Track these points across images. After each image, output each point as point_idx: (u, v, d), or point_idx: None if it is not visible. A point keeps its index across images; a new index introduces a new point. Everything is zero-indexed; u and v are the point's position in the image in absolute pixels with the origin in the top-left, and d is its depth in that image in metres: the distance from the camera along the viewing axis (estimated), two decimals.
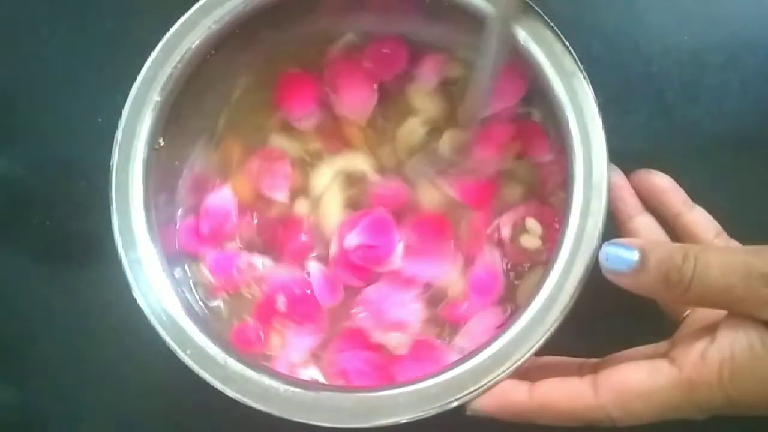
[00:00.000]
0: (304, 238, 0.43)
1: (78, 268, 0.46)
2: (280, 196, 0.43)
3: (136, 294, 0.38)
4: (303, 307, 0.42)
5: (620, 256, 0.33)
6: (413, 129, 0.43)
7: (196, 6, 0.40)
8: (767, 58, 0.45)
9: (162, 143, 0.41)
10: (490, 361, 0.35)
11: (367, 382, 0.40)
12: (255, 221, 0.44)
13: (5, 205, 0.48)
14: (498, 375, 0.35)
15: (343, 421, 0.35)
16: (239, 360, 0.37)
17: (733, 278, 0.30)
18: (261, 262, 0.43)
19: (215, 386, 0.36)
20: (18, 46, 0.48)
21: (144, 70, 0.39)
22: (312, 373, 0.41)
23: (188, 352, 0.37)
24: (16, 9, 0.49)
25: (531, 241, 0.39)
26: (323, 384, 0.40)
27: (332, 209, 0.43)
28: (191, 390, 0.37)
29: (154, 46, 0.40)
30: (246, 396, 0.36)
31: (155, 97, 0.39)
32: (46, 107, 0.48)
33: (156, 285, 0.38)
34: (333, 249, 0.42)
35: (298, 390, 0.36)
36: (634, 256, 0.32)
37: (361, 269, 0.42)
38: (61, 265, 0.47)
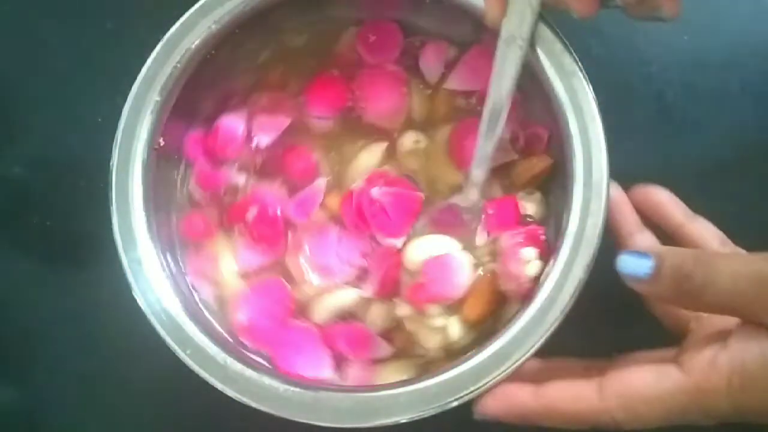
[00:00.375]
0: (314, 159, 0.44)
1: (78, 268, 0.46)
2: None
3: (136, 294, 0.38)
4: (266, 229, 0.42)
5: (636, 263, 0.32)
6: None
7: (196, 6, 0.40)
8: (767, 58, 0.45)
9: (162, 143, 0.41)
10: (490, 361, 0.35)
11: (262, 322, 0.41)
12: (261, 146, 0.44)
13: (5, 205, 0.48)
14: (498, 375, 0.35)
15: (343, 421, 0.35)
16: (239, 360, 0.37)
17: (744, 284, 0.30)
18: (246, 179, 0.44)
19: (215, 386, 0.36)
20: (18, 46, 0.48)
21: (144, 70, 0.39)
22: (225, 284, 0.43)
23: (188, 351, 0.37)
24: (16, 9, 0.49)
25: (533, 268, 0.39)
26: (323, 384, 0.40)
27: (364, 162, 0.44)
28: (191, 390, 0.37)
29: (154, 46, 0.40)
30: (246, 396, 0.36)
31: (155, 97, 0.39)
32: (46, 107, 0.48)
33: (156, 285, 0.38)
34: (355, 184, 0.43)
35: (297, 390, 0.36)
36: (649, 262, 0.32)
37: (362, 218, 0.42)
38: (60, 265, 0.47)
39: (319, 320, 0.42)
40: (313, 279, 0.43)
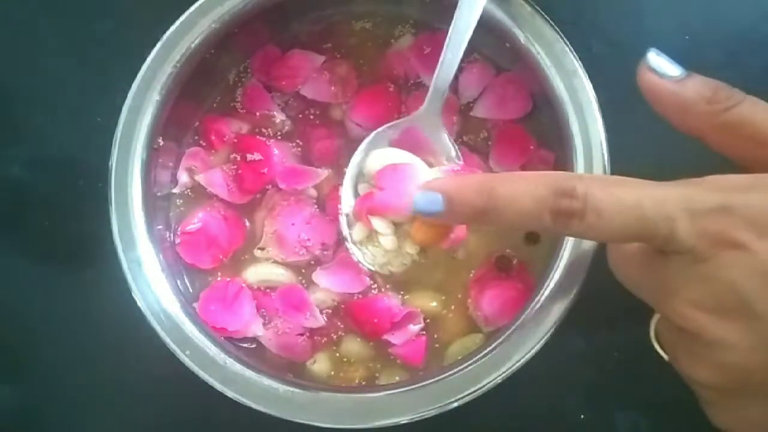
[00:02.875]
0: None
1: (77, 268, 0.46)
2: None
3: (136, 294, 0.38)
4: (249, 174, 0.43)
5: (668, 63, 0.31)
6: None
7: (195, 5, 0.40)
8: (767, 58, 0.45)
9: (161, 143, 0.41)
10: (490, 362, 0.35)
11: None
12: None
13: (5, 205, 0.48)
14: (498, 376, 0.35)
15: (343, 422, 0.35)
16: (239, 360, 0.37)
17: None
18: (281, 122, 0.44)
19: (214, 386, 0.36)
20: (18, 46, 0.48)
21: (143, 69, 0.39)
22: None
23: (187, 352, 0.37)
24: (16, 9, 0.49)
25: None
26: (323, 384, 0.40)
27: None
28: (190, 390, 0.37)
29: (154, 46, 0.40)
30: (245, 396, 0.36)
31: (155, 97, 0.39)
32: (45, 107, 0.48)
33: (155, 285, 0.38)
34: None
35: (297, 390, 0.36)
36: (681, 69, 0.31)
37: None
38: (60, 265, 0.47)
39: (248, 281, 0.42)
40: (268, 243, 0.43)
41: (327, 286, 0.42)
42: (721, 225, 0.27)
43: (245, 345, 0.42)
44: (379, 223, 0.36)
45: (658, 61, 0.32)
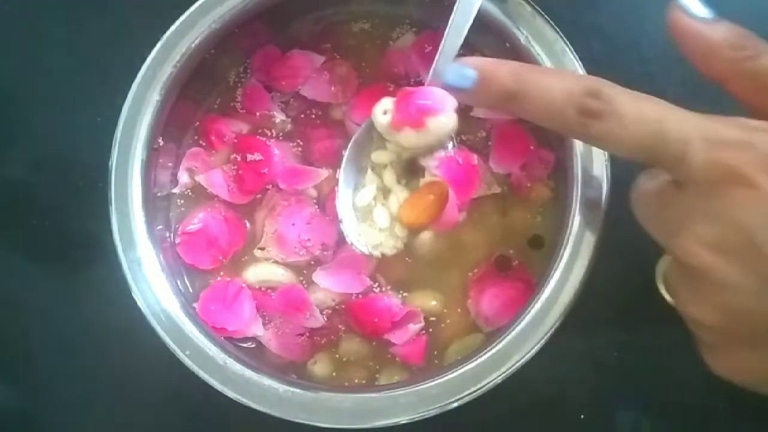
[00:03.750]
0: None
1: (77, 268, 0.46)
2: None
3: (135, 295, 0.38)
4: (250, 174, 0.43)
5: (698, 4, 0.31)
6: None
7: (195, 5, 0.40)
8: None
9: (161, 143, 0.41)
10: (491, 362, 0.35)
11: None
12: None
13: (5, 205, 0.48)
14: (498, 376, 0.35)
15: (343, 422, 0.35)
16: (239, 360, 0.37)
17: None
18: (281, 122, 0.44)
19: (214, 386, 0.36)
20: (18, 46, 0.48)
21: (143, 69, 0.39)
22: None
23: (187, 352, 0.37)
24: (16, 9, 0.49)
25: None
26: (323, 385, 0.40)
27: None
28: (190, 390, 0.37)
29: (154, 46, 0.39)
30: (245, 396, 0.36)
31: (155, 97, 0.39)
32: (46, 107, 0.48)
33: (155, 285, 0.38)
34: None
35: (297, 390, 0.36)
36: (712, 13, 0.31)
37: None
38: (60, 266, 0.47)
39: (249, 281, 0.42)
40: (268, 243, 0.43)
41: (327, 286, 0.42)
42: (736, 160, 0.27)
43: (245, 345, 0.42)
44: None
45: (689, 0, 0.31)
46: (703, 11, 0.31)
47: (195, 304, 0.41)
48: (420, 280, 0.42)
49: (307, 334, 0.42)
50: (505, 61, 0.32)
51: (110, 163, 0.39)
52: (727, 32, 0.30)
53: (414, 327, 0.41)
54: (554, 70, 0.34)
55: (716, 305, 0.28)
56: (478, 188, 0.40)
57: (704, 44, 0.31)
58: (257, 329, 0.41)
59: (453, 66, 0.32)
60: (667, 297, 0.33)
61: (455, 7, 0.36)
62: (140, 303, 0.38)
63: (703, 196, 0.28)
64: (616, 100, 0.29)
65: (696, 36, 0.31)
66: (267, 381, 0.36)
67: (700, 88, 0.45)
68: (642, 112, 0.29)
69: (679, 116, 0.28)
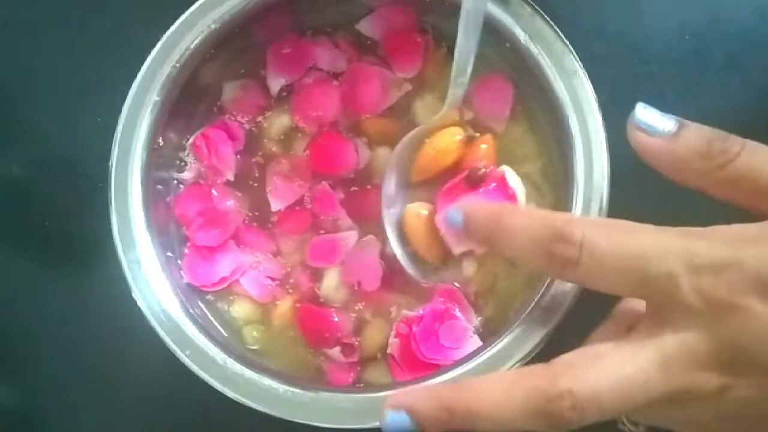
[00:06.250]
0: None
1: (77, 268, 0.46)
2: None
3: (136, 295, 0.38)
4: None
5: (657, 117, 0.29)
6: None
7: (195, 6, 0.40)
8: (767, 58, 0.45)
9: (161, 143, 0.41)
10: (491, 362, 0.35)
11: None
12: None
13: (5, 205, 0.48)
14: None
15: (343, 422, 0.35)
16: (239, 360, 0.37)
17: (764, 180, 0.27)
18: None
19: (215, 387, 0.36)
20: (18, 46, 0.48)
21: (143, 69, 0.39)
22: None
23: (187, 352, 0.37)
24: (16, 9, 0.49)
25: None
26: (323, 385, 0.40)
27: None
28: (190, 390, 0.37)
29: (154, 46, 0.40)
30: (245, 397, 0.36)
31: (154, 97, 0.39)
32: (46, 107, 0.48)
33: (155, 285, 0.38)
34: None
35: (297, 390, 0.36)
36: (672, 122, 0.29)
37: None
38: (60, 266, 0.47)
39: None
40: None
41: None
42: (723, 287, 0.26)
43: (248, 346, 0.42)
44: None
45: (646, 116, 0.30)
46: (663, 123, 0.29)
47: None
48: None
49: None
50: (485, 204, 0.33)
51: (110, 163, 0.39)
52: (695, 141, 0.29)
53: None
54: (526, 212, 0.32)
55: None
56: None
57: (673, 160, 0.29)
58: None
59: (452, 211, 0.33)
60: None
61: (462, 17, 0.36)
62: (140, 303, 0.38)
63: (702, 327, 0.26)
64: (589, 242, 0.27)
65: (662, 153, 0.29)
66: (267, 381, 0.36)
67: (699, 88, 0.46)
68: (619, 250, 0.27)
69: (659, 247, 0.27)
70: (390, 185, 0.39)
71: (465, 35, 0.36)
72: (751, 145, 0.28)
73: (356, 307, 0.42)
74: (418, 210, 0.38)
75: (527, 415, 0.26)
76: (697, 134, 0.29)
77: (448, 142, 0.38)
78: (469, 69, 0.37)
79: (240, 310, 0.42)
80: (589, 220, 0.30)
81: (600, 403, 0.26)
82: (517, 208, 0.34)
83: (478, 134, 0.37)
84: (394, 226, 0.39)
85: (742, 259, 0.26)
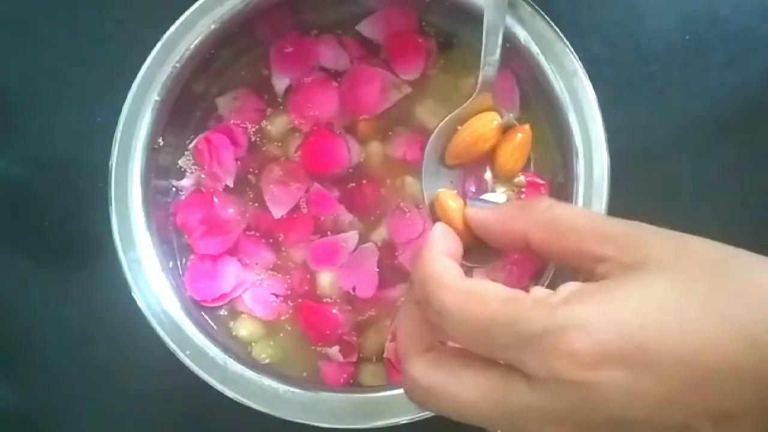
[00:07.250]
0: None
1: (77, 268, 0.46)
2: None
3: (135, 295, 0.38)
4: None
5: (485, 201, 0.32)
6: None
7: (195, 6, 0.40)
8: (767, 58, 0.45)
9: (161, 143, 0.41)
10: None
11: None
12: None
13: (4, 205, 0.48)
14: None
15: (343, 422, 0.35)
16: (239, 360, 0.37)
17: (580, 220, 0.28)
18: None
19: (214, 386, 0.36)
20: (18, 46, 0.48)
21: (143, 69, 0.39)
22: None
23: (187, 352, 0.37)
24: (16, 9, 0.49)
25: None
26: (323, 385, 0.40)
27: None
28: (190, 390, 0.37)
29: (154, 46, 0.39)
30: (245, 397, 0.36)
31: (154, 97, 0.39)
32: (45, 107, 0.48)
33: (155, 285, 0.38)
34: None
35: (297, 391, 0.36)
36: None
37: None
38: (60, 265, 0.47)
39: None
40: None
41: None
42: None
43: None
44: None
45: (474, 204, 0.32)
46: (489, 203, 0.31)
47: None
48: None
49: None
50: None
51: (110, 163, 0.39)
52: (517, 203, 0.30)
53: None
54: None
55: None
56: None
57: (497, 218, 0.30)
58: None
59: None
60: None
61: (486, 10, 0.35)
62: (140, 303, 0.38)
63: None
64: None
65: (490, 218, 0.30)
66: (267, 381, 0.36)
67: (699, 87, 0.46)
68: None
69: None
70: (428, 167, 0.38)
71: (493, 10, 0.34)
72: (562, 205, 0.29)
73: (352, 308, 0.42)
74: (447, 200, 0.37)
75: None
76: (518, 201, 0.30)
77: (485, 129, 0.37)
78: (499, 48, 0.36)
79: (244, 328, 0.42)
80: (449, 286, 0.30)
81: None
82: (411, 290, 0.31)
83: (516, 122, 0.35)
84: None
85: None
